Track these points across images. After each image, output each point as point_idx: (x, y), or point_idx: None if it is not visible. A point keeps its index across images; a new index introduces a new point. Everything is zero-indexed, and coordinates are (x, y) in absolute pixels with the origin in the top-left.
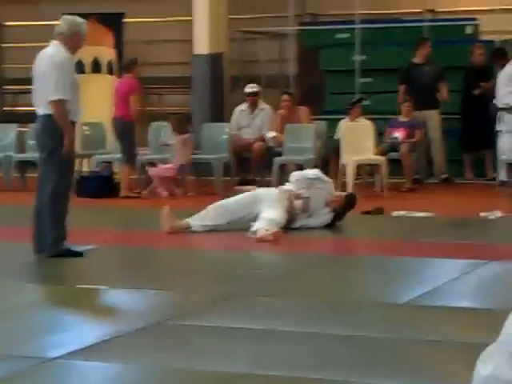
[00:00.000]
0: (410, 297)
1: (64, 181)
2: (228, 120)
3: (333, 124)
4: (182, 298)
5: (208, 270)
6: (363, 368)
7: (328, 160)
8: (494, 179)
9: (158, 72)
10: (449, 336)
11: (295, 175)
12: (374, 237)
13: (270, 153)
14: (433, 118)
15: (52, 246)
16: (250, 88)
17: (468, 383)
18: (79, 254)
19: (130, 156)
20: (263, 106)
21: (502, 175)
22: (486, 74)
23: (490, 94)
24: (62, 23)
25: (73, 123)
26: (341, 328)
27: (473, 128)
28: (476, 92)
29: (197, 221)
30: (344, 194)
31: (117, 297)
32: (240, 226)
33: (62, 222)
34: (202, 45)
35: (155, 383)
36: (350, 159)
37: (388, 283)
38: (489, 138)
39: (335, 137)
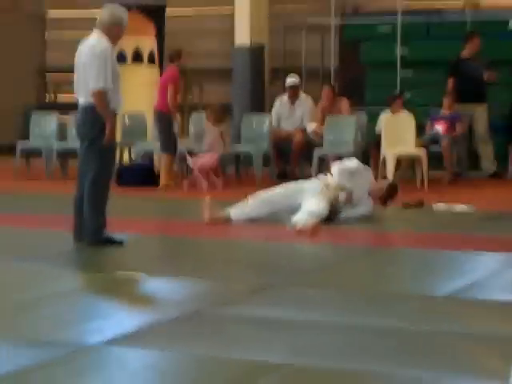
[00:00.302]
0: (450, 290)
1: (104, 170)
2: (268, 111)
3: (373, 117)
4: (221, 287)
5: (247, 260)
6: (399, 360)
7: (368, 152)
8: None
9: (199, 63)
10: (488, 330)
11: (336, 167)
12: (414, 229)
13: (310, 145)
14: (479, 112)
15: (92, 234)
16: (291, 79)
17: (506, 377)
18: (119, 243)
19: (167, 146)
20: (304, 97)
21: None
22: None
23: None
24: (103, 13)
25: (114, 113)
26: (378, 320)
27: None
28: None
29: (237, 211)
30: (386, 182)
31: (156, 285)
32: (281, 217)
33: (102, 211)
34: (243, 36)
35: (192, 371)
36: (390, 152)
37: (427, 276)
38: None
39: (376, 129)
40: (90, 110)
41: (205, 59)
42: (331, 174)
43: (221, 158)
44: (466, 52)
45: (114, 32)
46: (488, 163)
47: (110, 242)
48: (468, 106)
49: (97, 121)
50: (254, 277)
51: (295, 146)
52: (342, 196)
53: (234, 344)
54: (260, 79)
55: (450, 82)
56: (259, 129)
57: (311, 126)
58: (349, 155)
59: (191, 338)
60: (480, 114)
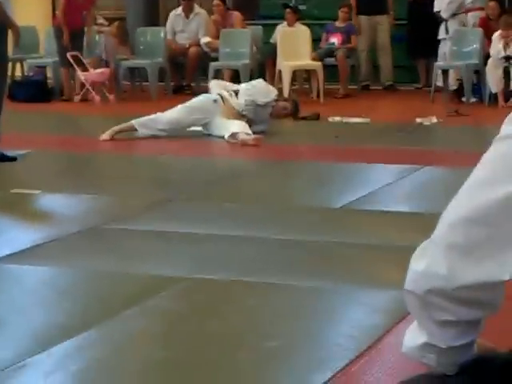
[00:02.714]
0: (346, 201)
1: None
2: (163, 24)
3: (269, 29)
4: (119, 202)
5: (146, 176)
6: (298, 271)
7: (264, 65)
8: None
9: None
10: (384, 239)
11: (247, 100)
12: (310, 142)
13: (205, 58)
14: (382, 24)
15: None
16: None
17: (401, 285)
18: (12, 159)
19: (60, 60)
20: (198, 10)
21: (439, 81)
22: None
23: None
24: None
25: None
26: (277, 232)
27: (419, 35)
28: None
29: (143, 122)
30: (288, 103)
31: (51, 201)
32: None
33: None
34: None
35: (90, 286)
36: (285, 65)
37: (324, 188)
38: (437, 46)
39: (271, 41)
40: None
41: None
42: (235, 96)
43: (114, 72)
44: None
45: None
46: (385, 75)
47: (3, 158)
48: (371, 17)
49: None
50: (153, 192)
51: (190, 60)
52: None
53: (132, 258)
54: None
55: None
56: (154, 42)
57: (206, 39)
58: (244, 68)
59: (89, 254)
60: (382, 26)
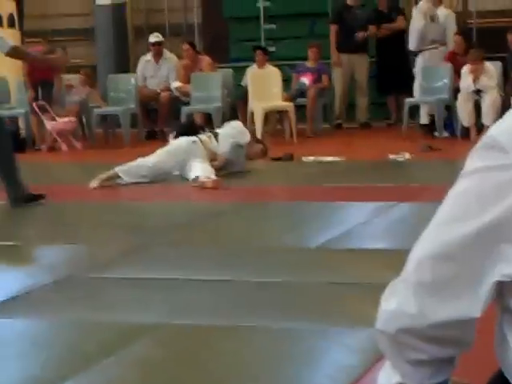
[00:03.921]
0: (321, 241)
1: None
2: (134, 71)
3: (239, 72)
4: (92, 251)
5: (118, 223)
6: (276, 312)
7: (236, 108)
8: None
9: (61, 24)
10: (360, 277)
11: (229, 142)
12: (284, 183)
13: (176, 103)
14: (361, 62)
15: None
16: (154, 37)
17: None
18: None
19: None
20: (168, 55)
21: (424, 119)
22: (388, 15)
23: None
24: None
25: None
26: (253, 274)
27: (389, 71)
28: (365, 35)
29: (126, 170)
30: (261, 145)
31: (25, 252)
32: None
33: None
34: None
35: (65, 337)
36: (257, 106)
37: (299, 228)
38: (407, 82)
39: (242, 83)
40: None
41: (66, 19)
42: (215, 138)
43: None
44: (349, 1)
45: None
46: (361, 113)
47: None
48: (351, 56)
49: None
50: (128, 238)
51: (162, 105)
52: (221, 161)
53: (108, 307)
54: (124, 38)
55: (333, 29)
56: (125, 89)
57: (176, 84)
58: (217, 111)
59: (64, 304)
60: (362, 65)
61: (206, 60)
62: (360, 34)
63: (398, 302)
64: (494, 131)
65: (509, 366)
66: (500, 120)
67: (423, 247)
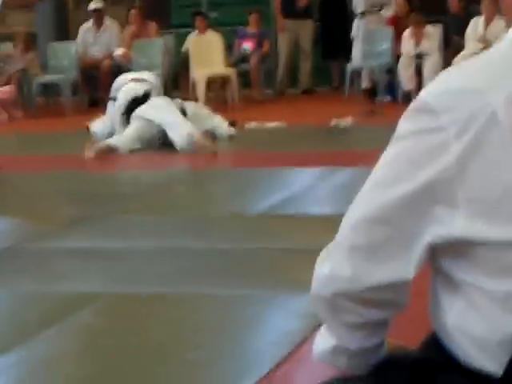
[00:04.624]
0: (264, 207)
1: None
2: (74, 39)
3: (181, 39)
4: (37, 221)
5: (64, 192)
6: (221, 280)
7: (178, 74)
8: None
9: None
10: (300, 243)
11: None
12: (227, 149)
13: (118, 70)
14: (305, 28)
15: None
16: (95, 4)
17: None
18: None
19: None
20: (109, 22)
21: (365, 83)
22: None
23: None
24: None
25: None
26: (195, 242)
27: (331, 35)
28: None
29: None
30: None
31: None
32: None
33: None
34: None
35: (5, 308)
36: (200, 73)
37: (240, 195)
38: (349, 46)
39: (183, 50)
40: None
41: None
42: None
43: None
44: None
45: None
46: (305, 79)
47: None
48: (294, 22)
49: None
50: (73, 208)
51: (104, 73)
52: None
53: (50, 277)
54: (63, 5)
55: None
56: (66, 57)
57: (119, 51)
58: (158, 77)
59: (6, 275)
60: (305, 30)
61: (153, 26)
62: None
63: (332, 266)
64: (425, 94)
65: (441, 326)
66: (431, 83)
67: (356, 211)
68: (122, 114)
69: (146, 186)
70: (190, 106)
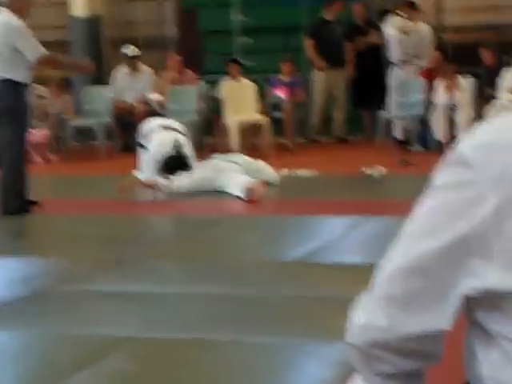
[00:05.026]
0: (297, 255)
1: None
2: (109, 83)
3: (214, 85)
4: (71, 263)
5: (97, 235)
6: (250, 326)
7: (211, 120)
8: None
9: (36, 36)
10: (333, 292)
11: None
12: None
13: (153, 115)
14: (339, 77)
15: None
16: (130, 51)
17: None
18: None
19: None
20: (144, 68)
21: (398, 133)
22: (365, 29)
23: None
24: None
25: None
26: (228, 288)
27: (364, 85)
28: (354, 47)
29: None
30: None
31: (3, 264)
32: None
33: None
34: (79, 7)
35: (40, 349)
36: (232, 119)
37: (274, 242)
38: (382, 96)
39: (216, 95)
40: (5, 84)
41: (41, 31)
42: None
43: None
44: (327, 15)
45: (18, 7)
46: (338, 128)
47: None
48: (329, 71)
49: (8, 94)
50: (107, 251)
51: (138, 118)
52: None
53: (84, 320)
54: (99, 51)
55: (309, 44)
56: (100, 101)
57: (154, 97)
58: (192, 124)
59: (41, 316)
60: (340, 80)
61: (190, 73)
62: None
63: (367, 315)
64: (461, 147)
65: (476, 377)
66: (467, 135)
67: (392, 261)
68: (162, 170)
69: (182, 230)
70: (239, 158)
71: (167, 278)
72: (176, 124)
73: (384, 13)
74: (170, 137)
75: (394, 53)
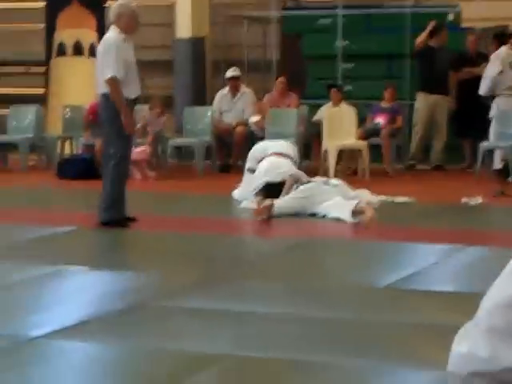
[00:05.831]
0: (390, 280)
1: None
2: (210, 104)
3: (315, 109)
4: (165, 279)
5: (195, 253)
6: (344, 350)
7: (310, 145)
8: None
9: (140, 56)
10: (427, 319)
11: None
12: (354, 221)
13: (251, 137)
14: (442, 104)
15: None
16: (232, 72)
17: (445, 365)
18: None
19: None
20: (245, 90)
21: (497, 164)
22: (474, 60)
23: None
24: (112, 7)
25: (127, 100)
26: (321, 311)
27: (467, 115)
28: (458, 76)
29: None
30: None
31: (98, 278)
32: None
33: None
34: (184, 28)
35: (132, 363)
36: (331, 144)
37: (368, 267)
38: (484, 126)
39: (314, 119)
40: (105, 99)
41: (145, 51)
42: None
43: (158, 150)
44: (433, 43)
45: (123, 23)
46: (436, 155)
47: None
48: (432, 96)
49: (111, 108)
50: (199, 269)
51: (237, 139)
52: None
53: (176, 336)
54: (201, 72)
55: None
56: (201, 121)
57: (254, 118)
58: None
59: (134, 331)
60: (442, 107)
61: (294, 96)
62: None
63: (470, 346)
64: None
65: None
66: None
67: (496, 294)
68: (256, 194)
69: (276, 251)
70: (337, 182)
71: (259, 298)
72: (288, 147)
73: (497, 38)
74: (279, 164)
75: (489, 85)
